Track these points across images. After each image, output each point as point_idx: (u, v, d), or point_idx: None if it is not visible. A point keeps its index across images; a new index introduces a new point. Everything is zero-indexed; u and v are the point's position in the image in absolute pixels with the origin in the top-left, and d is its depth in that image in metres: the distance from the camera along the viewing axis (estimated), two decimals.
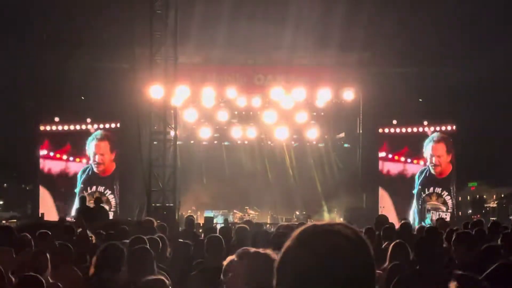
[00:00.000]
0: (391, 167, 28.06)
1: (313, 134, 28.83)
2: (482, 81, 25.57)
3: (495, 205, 29.34)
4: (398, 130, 28.11)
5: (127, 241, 8.37)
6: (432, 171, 27.88)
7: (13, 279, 6.68)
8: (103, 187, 26.87)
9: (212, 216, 24.27)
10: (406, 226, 12.47)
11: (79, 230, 11.92)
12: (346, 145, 29.73)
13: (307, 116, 28.18)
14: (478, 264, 6.68)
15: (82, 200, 19.73)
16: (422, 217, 27.40)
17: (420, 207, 27.76)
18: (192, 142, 28.98)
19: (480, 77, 25.31)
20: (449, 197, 27.76)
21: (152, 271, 6.50)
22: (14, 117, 26.65)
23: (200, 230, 17.17)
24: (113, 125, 27.05)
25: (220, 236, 8.79)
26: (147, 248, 7.04)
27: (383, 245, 9.80)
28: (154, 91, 22.80)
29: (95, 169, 27.10)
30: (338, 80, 27.06)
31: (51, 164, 27.01)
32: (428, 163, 27.92)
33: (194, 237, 12.68)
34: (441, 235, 10.74)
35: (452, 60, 25.88)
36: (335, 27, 24.77)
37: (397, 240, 8.47)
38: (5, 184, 34.05)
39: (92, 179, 27.03)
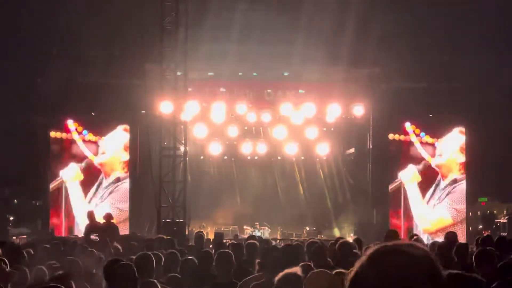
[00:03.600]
0: None
1: (323, 149, 28.77)
2: (492, 96, 25.53)
3: (505, 221, 29.16)
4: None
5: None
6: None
7: None
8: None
9: (222, 232, 24.20)
10: (416, 242, 12.31)
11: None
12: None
13: (317, 132, 28.10)
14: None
15: (90, 215, 18.57)
16: None
17: None
18: (202, 157, 28.97)
19: (489, 93, 25.28)
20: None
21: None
22: (24, 133, 26.75)
23: (211, 246, 17.14)
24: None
25: (231, 252, 8.77)
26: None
27: None
28: (164, 107, 22.86)
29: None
30: (348, 95, 26.99)
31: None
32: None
33: (204, 253, 12.62)
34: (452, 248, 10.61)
35: (461, 75, 25.85)
36: (345, 43, 24.81)
37: None
38: (15, 200, 34.17)
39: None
